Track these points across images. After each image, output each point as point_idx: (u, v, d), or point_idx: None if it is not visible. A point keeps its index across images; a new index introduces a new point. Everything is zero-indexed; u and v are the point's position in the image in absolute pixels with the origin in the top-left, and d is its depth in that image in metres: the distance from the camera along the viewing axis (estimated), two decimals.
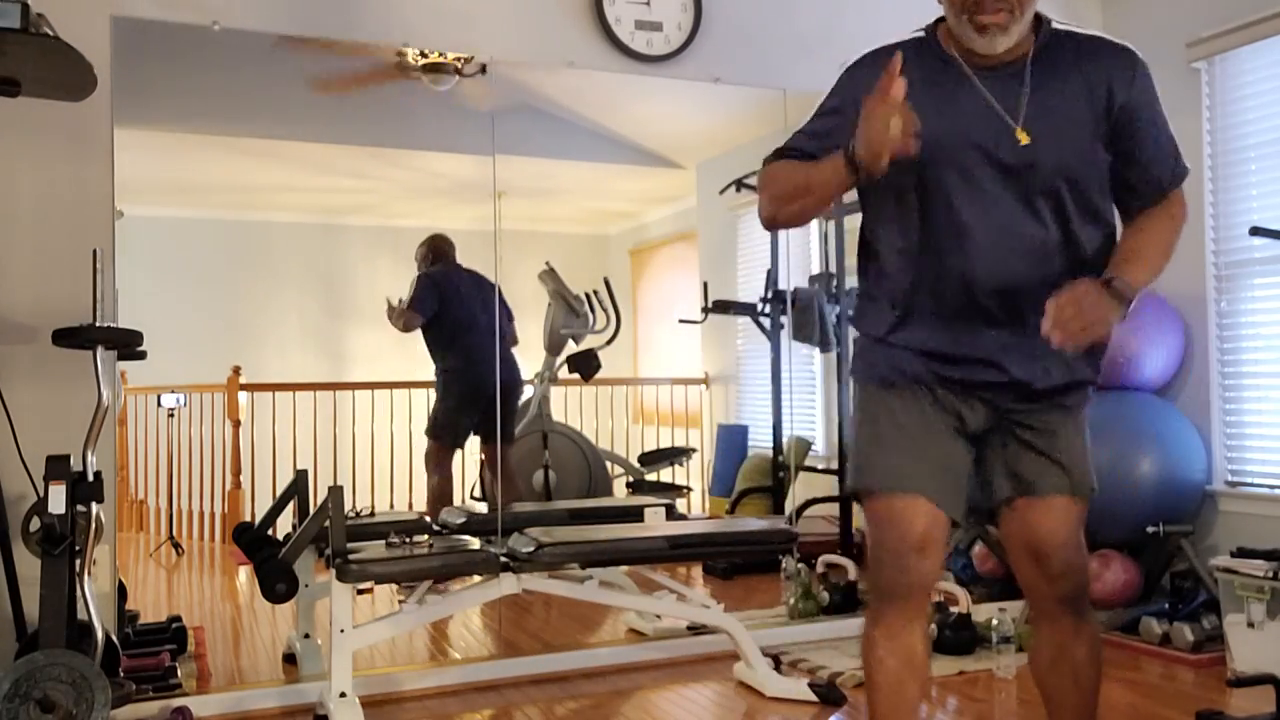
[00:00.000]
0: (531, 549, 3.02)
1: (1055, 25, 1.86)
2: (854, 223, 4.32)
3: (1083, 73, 1.83)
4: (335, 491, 2.87)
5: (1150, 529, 3.69)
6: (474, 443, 4.20)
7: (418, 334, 4.10)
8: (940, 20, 1.89)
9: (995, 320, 1.86)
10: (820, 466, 4.44)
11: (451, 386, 3.99)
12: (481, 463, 4.19)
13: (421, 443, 4.24)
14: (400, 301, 3.92)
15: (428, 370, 4.14)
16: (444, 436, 4.01)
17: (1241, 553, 3.32)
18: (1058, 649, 1.95)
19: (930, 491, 1.87)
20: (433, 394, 4.16)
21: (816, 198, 1.85)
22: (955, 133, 1.82)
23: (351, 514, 3.42)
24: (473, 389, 4.03)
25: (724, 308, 4.64)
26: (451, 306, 3.96)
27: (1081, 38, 1.87)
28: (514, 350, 4.13)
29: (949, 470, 1.91)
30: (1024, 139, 1.80)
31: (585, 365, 4.44)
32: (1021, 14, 1.78)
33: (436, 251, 3.96)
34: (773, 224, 1.94)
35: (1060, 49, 1.85)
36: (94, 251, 2.63)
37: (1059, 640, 1.95)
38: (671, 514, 3.88)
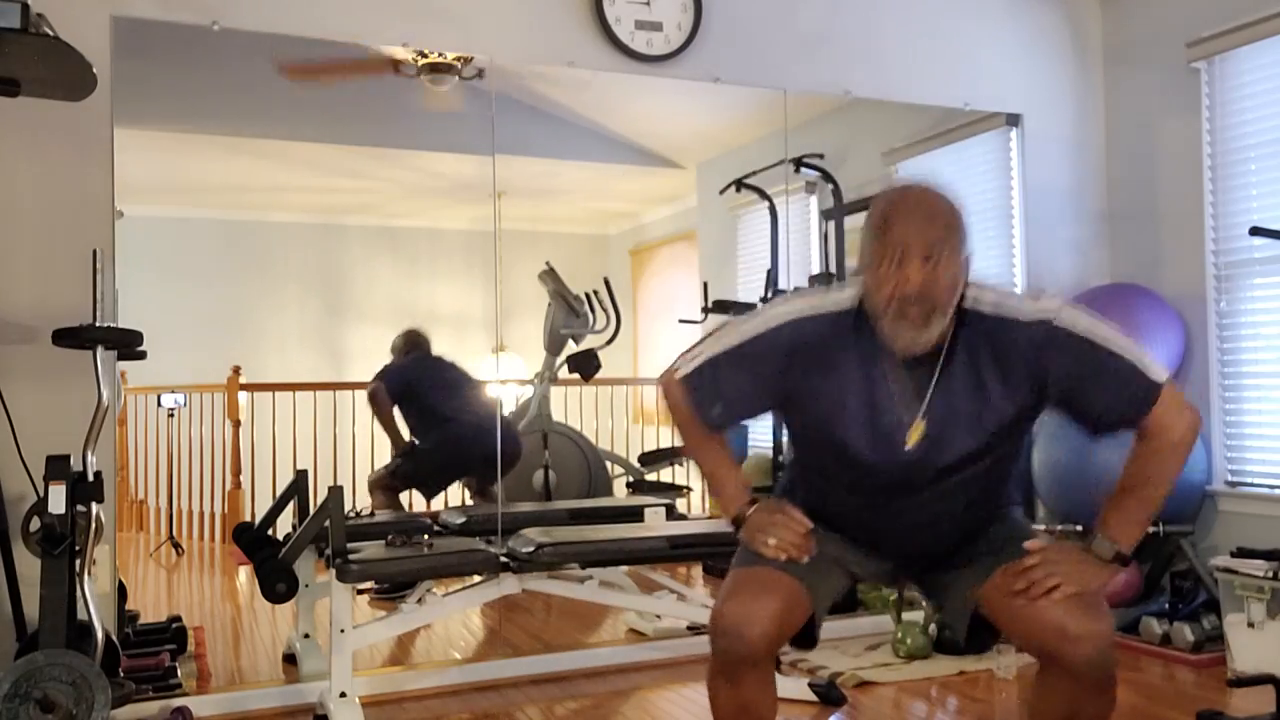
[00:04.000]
0: (531, 549, 3.02)
1: (971, 304, 1.82)
2: (855, 222, 4.33)
3: (999, 353, 1.80)
4: (335, 491, 2.87)
5: (1150, 529, 3.68)
6: None
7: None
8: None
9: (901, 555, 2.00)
10: None
11: (436, 456, 4.10)
12: None
13: None
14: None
15: None
16: (408, 484, 4.10)
17: (1241, 553, 3.32)
18: (1069, 709, 1.79)
19: (801, 575, 1.84)
20: None
21: (702, 476, 2.08)
22: (858, 419, 1.84)
23: (351, 514, 3.42)
24: (458, 460, 4.15)
25: (724, 308, 4.63)
26: (423, 393, 4.12)
27: (992, 320, 1.80)
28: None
29: (828, 566, 1.91)
30: (914, 439, 1.82)
31: (585, 365, 4.43)
32: (943, 315, 1.75)
33: (410, 342, 4.12)
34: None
35: (976, 333, 1.81)
36: (94, 251, 2.63)
37: (1072, 698, 1.79)
38: (671, 514, 3.88)
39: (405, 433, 4.04)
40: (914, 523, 1.93)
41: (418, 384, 4.10)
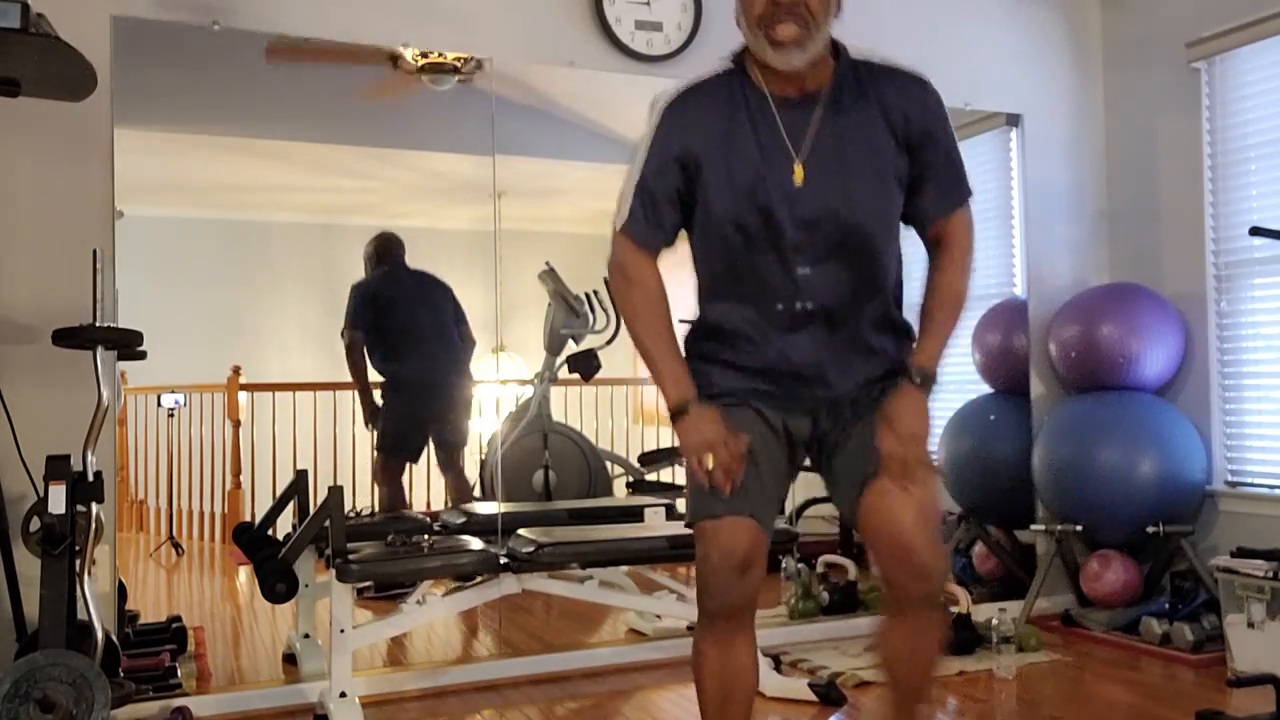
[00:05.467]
0: (531, 549, 3.02)
1: (853, 54, 1.90)
2: None
3: (879, 100, 1.87)
4: (335, 491, 2.87)
5: (1150, 529, 3.69)
6: (474, 442, 4.20)
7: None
8: (746, 49, 1.93)
9: (802, 341, 1.92)
10: None
11: (399, 399, 3.93)
12: (481, 462, 4.19)
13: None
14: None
15: None
16: (394, 452, 4.00)
17: (1241, 553, 3.32)
18: (911, 644, 1.97)
19: (752, 511, 1.90)
20: None
21: (644, 358, 2.04)
22: (748, 169, 1.86)
23: (351, 514, 3.42)
24: (421, 400, 4.01)
25: None
26: (391, 314, 3.87)
27: (877, 66, 1.90)
28: (472, 352, 4.06)
29: (770, 488, 1.96)
30: (799, 177, 1.84)
31: (585, 365, 4.43)
32: (816, 28, 1.80)
33: (381, 252, 3.86)
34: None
35: (857, 77, 1.88)
36: (94, 251, 2.63)
37: (913, 635, 1.96)
38: (671, 514, 3.88)
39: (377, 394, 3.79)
40: (812, 322, 1.91)
41: (387, 308, 3.78)
